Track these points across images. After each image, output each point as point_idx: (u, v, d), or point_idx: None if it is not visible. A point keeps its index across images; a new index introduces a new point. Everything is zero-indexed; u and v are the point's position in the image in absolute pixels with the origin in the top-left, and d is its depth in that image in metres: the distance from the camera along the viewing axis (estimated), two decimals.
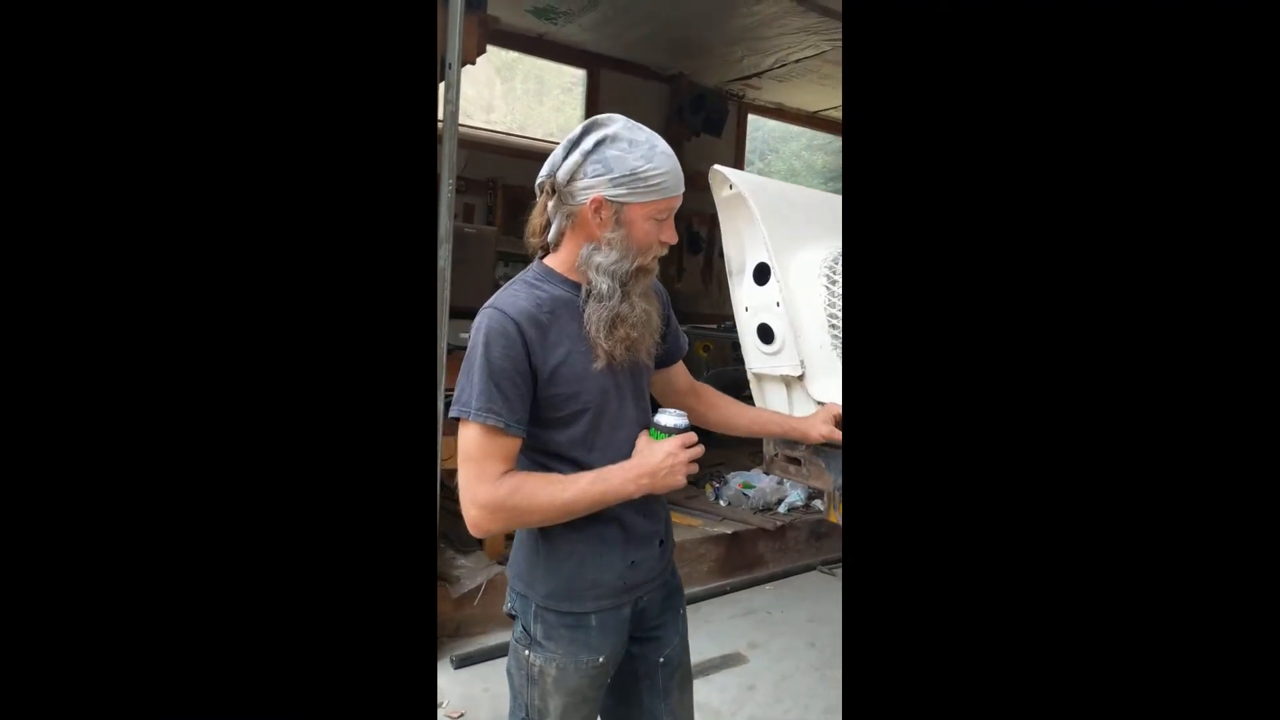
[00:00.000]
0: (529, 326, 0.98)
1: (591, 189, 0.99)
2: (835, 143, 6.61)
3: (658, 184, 0.99)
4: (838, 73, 5.00)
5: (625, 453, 1.05)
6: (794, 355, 1.45)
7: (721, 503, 3.47)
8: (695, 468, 1.04)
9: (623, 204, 0.99)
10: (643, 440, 1.06)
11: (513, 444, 0.99)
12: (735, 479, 3.59)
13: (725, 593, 2.99)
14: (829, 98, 5.54)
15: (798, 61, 4.83)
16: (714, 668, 2.37)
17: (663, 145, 1.01)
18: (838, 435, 1.29)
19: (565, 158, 1.00)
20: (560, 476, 1.01)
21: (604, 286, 1.01)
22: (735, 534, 3.15)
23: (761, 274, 1.48)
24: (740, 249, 1.51)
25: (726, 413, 1.31)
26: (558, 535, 1.05)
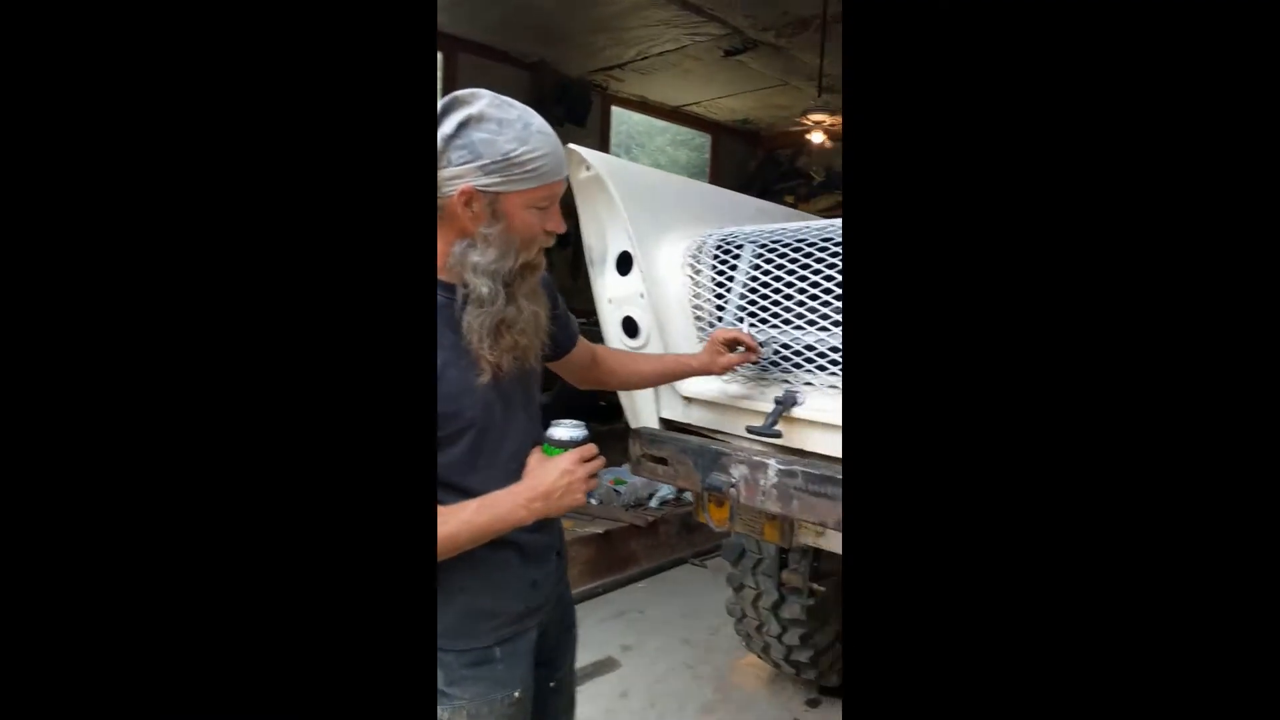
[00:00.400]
0: None
1: (459, 179, 0.83)
2: (699, 138, 6.69)
3: (536, 169, 0.85)
4: (699, 68, 5.04)
5: (514, 472, 0.92)
6: (660, 349, 1.38)
7: (592, 501, 3.38)
8: (595, 483, 0.92)
9: (498, 193, 0.85)
10: (534, 458, 0.93)
11: None
12: (606, 475, 3.52)
13: (597, 594, 2.91)
14: (691, 92, 5.58)
15: (659, 54, 4.83)
16: (586, 676, 2.28)
17: (538, 123, 0.86)
18: (736, 360, 1.23)
19: None
20: (440, 509, 0.85)
21: (484, 289, 0.86)
22: (606, 533, 3.08)
23: (624, 263, 1.40)
24: (601, 236, 1.41)
25: (632, 370, 1.22)
26: (446, 566, 0.89)
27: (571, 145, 1.35)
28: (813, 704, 2.21)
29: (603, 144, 5.57)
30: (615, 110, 5.74)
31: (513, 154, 0.83)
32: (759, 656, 2.25)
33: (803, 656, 2.07)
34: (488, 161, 0.83)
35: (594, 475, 0.92)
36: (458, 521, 0.84)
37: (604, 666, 2.37)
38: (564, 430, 0.92)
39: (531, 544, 0.96)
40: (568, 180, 0.92)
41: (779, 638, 2.07)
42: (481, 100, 0.85)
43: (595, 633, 2.58)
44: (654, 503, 3.42)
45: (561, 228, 0.92)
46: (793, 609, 2.00)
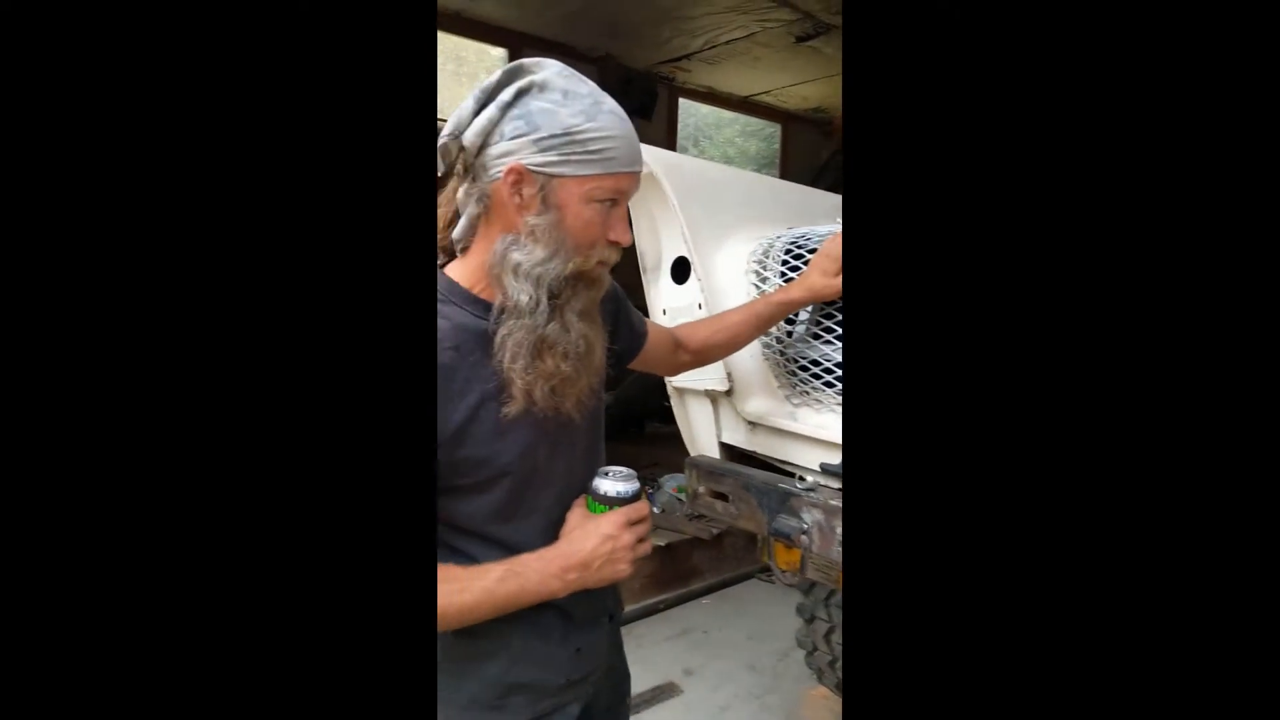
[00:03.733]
0: None
1: (509, 155, 0.69)
2: (769, 129, 6.45)
3: (600, 150, 0.69)
4: (768, 55, 4.83)
5: (556, 520, 0.78)
6: (719, 366, 1.23)
7: (655, 509, 3.26)
8: (647, 547, 0.77)
9: (551, 176, 0.69)
10: (575, 516, 0.78)
11: None
12: (669, 483, 3.37)
13: (659, 610, 2.78)
14: (761, 81, 5.37)
15: (727, 43, 4.64)
16: (645, 702, 2.15)
17: (610, 104, 0.71)
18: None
19: (477, 112, 0.70)
20: (458, 570, 0.72)
21: (523, 297, 0.70)
22: (669, 546, 2.94)
23: (680, 270, 1.25)
24: (655, 240, 1.27)
25: (726, 335, 1.04)
26: (470, 629, 0.76)
27: None
28: None
29: (670, 137, 5.43)
30: (683, 103, 5.58)
31: (575, 129, 0.68)
32: (832, 691, 2.07)
33: None
34: (545, 135, 0.68)
35: (643, 539, 0.77)
36: (479, 590, 0.71)
37: (664, 692, 2.23)
38: (611, 484, 0.78)
39: (578, 607, 0.81)
40: (639, 179, 0.75)
41: None
42: (548, 69, 0.71)
43: (656, 654, 2.45)
44: None
45: (627, 239, 0.75)
46: None
